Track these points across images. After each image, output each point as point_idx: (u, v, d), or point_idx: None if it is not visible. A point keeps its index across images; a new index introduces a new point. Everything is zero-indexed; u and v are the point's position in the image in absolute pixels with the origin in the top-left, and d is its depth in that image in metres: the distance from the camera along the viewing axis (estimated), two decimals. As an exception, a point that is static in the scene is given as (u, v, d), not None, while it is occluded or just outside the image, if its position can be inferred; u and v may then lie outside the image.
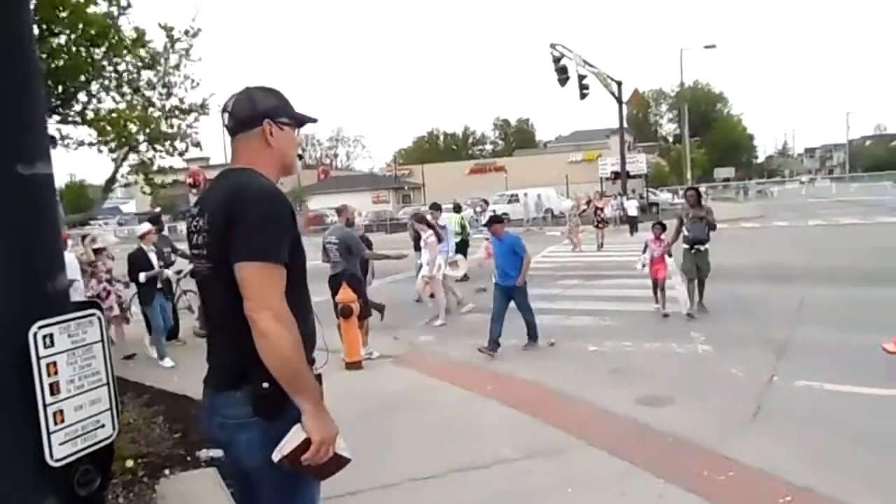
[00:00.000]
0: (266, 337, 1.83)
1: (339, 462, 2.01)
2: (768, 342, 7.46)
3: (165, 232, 10.89)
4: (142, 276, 7.85)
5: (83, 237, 9.69)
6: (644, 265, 9.61)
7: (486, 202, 18.14)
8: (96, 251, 8.70)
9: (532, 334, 8.01)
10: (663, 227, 9.60)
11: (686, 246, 9.29)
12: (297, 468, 1.92)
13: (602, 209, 21.29)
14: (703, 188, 11.94)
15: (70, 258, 7.15)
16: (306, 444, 1.87)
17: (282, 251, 1.92)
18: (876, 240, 17.24)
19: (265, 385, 1.89)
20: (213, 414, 2.07)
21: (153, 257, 8.10)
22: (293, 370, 1.87)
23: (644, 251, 9.66)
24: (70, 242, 9.64)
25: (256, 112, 2.08)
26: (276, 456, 1.88)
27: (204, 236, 2.03)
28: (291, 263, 1.97)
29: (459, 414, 5.70)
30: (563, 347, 7.95)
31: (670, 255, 9.49)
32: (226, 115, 2.15)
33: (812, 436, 4.79)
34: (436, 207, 11.94)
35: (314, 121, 2.29)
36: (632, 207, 26.53)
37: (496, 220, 8.44)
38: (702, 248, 9.17)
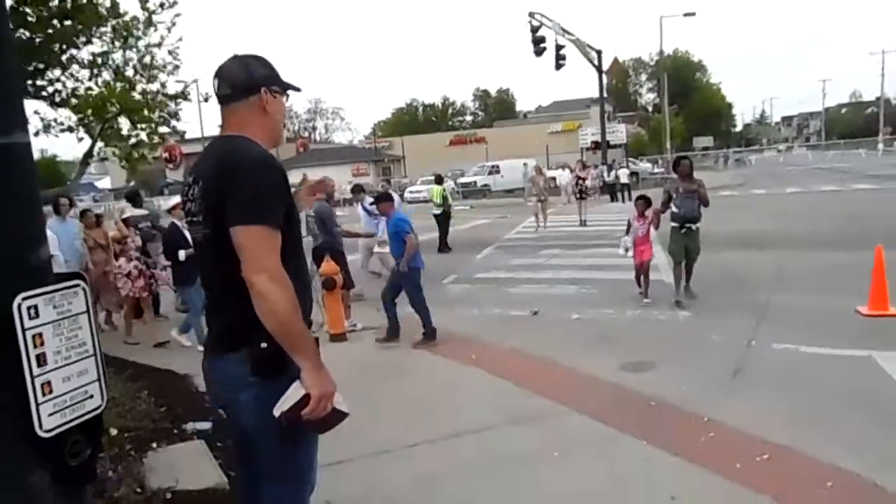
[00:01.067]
0: (263, 297, 1.85)
1: (337, 416, 2.04)
2: (747, 307, 7.58)
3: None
4: (181, 254, 6.99)
5: (87, 213, 8.79)
6: (628, 249, 8.43)
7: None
8: (126, 221, 8.02)
9: (426, 325, 6.99)
10: (647, 203, 8.49)
11: (675, 224, 8.09)
12: (297, 424, 1.95)
13: (584, 179, 20.95)
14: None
15: (48, 233, 6.90)
16: (306, 399, 1.91)
17: (277, 215, 1.95)
18: (851, 206, 17.51)
19: (263, 346, 1.93)
20: (213, 376, 2.12)
21: (188, 234, 7.47)
22: (290, 329, 1.90)
23: (627, 232, 8.50)
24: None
25: (254, 80, 2.10)
26: (276, 412, 1.91)
27: (199, 203, 2.04)
28: (287, 229, 1.99)
29: (445, 383, 5.76)
30: (547, 316, 8.02)
31: (657, 228, 8.38)
32: (217, 82, 2.13)
33: (789, 396, 4.91)
34: (358, 190, 11.67)
35: (298, 89, 2.30)
36: (623, 175, 27.18)
37: (383, 197, 7.54)
38: (693, 227, 7.99)
